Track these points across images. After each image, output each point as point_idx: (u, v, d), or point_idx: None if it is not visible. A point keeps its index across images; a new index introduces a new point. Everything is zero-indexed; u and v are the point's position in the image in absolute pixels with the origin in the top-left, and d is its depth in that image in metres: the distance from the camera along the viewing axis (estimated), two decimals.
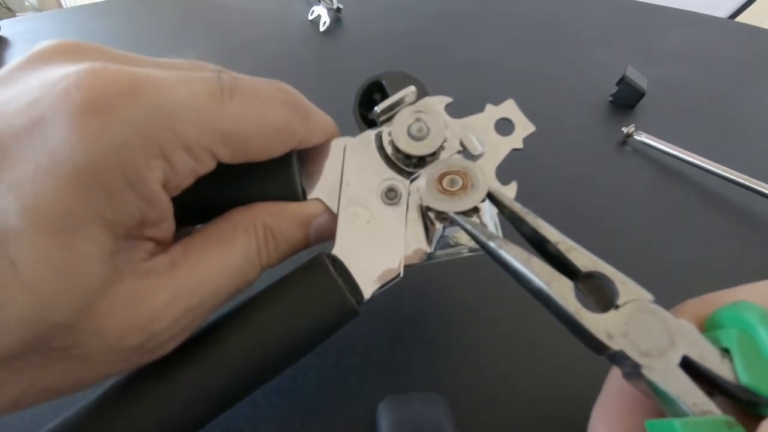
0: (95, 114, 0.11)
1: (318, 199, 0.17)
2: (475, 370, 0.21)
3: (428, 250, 0.17)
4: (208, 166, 0.13)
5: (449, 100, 0.18)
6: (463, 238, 0.18)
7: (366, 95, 0.19)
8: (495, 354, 0.21)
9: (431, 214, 0.16)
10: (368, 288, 0.16)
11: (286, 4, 0.56)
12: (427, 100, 0.18)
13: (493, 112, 0.19)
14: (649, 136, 0.34)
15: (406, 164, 0.17)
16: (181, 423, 0.14)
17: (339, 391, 0.20)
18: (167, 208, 0.13)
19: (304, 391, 0.20)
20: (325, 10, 0.51)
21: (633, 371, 0.12)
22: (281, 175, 0.16)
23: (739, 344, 0.12)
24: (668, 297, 0.26)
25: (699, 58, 0.48)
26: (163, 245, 0.14)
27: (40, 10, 1.71)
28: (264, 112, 0.14)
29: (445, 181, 0.16)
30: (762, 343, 0.11)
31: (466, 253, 0.17)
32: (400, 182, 0.17)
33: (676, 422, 0.11)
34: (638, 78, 0.39)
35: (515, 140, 0.19)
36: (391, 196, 0.17)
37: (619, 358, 0.12)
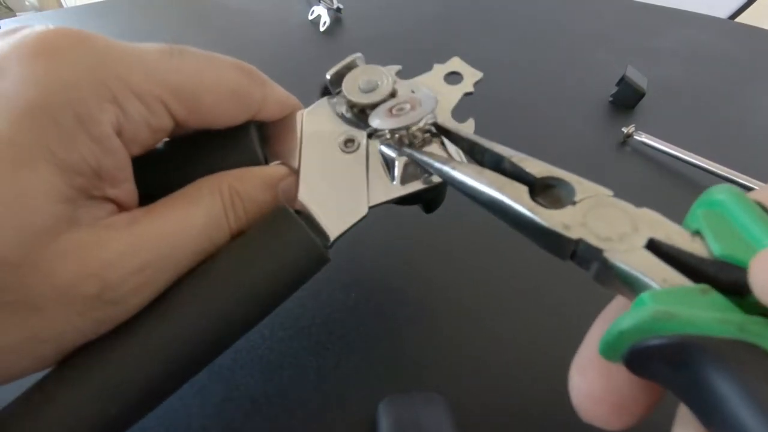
0: (45, 56, 0.12)
1: (282, 163, 0.17)
2: (475, 370, 0.21)
3: (392, 187, 0.17)
4: (163, 120, 0.14)
5: (399, 67, 0.20)
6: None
7: (326, 93, 0.20)
8: (495, 354, 0.21)
9: (390, 152, 0.17)
10: (335, 229, 0.16)
11: (286, 4, 0.56)
12: (376, 66, 0.19)
13: (440, 70, 0.20)
14: (649, 136, 0.34)
15: (364, 120, 0.18)
16: (144, 385, 0.13)
17: (339, 391, 0.20)
18: (123, 160, 0.13)
19: (304, 391, 0.20)
20: (325, 10, 0.51)
21: (599, 267, 0.11)
22: (241, 145, 0.16)
23: (707, 221, 0.11)
24: None
25: (699, 58, 0.48)
26: (125, 210, 0.14)
27: (40, 10, 1.71)
28: (214, 70, 0.15)
29: (394, 109, 0.17)
30: (732, 215, 0.10)
31: (426, 185, 0.17)
32: (357, 133, 0.18)
33: (645, 294, 0.09)
34: (638, 78, 0.39)
35: (466, 86, 0.20)
36: (349, 145, 0.17)
37: (583, 256, 0.11)
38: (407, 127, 0.16)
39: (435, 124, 0.17)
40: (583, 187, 0.12)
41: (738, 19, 0.80)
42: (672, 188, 0.32)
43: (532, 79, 0.43)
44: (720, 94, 0.42)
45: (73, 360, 0.13)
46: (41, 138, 0.11)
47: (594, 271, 0.11)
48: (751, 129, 0.38)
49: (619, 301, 0.13)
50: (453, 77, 0.20)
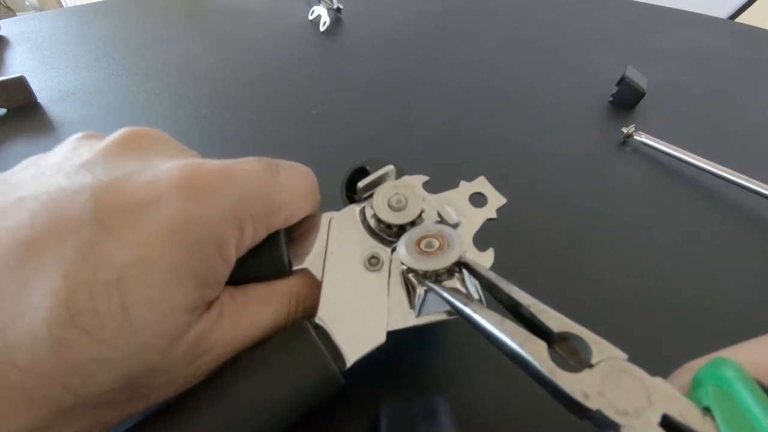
0: (198, 195, 0.14)
1: (305, 269, 0.18)
2: (476, 371, 0.21)
3: (411, 314, 0.17)
4: (261, 235, 0.16)
5: (426, 178, 0.20)
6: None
7: (352, 180, 0.20)
8: (495, 354, 0.21)
9: (413, 280, 0.17)
10: (352, 355, 0.16)
11: (286, 4, 0.56)
12: (406, 178, 0.19)
13: (466, 188, 0.21)
14: (649, 136, 0.34)
15: (388, 234, 0.18)
16: None
17: (339, 393, 0.20)
18: (230, 270, 0.15)
19: None
20: (325, 10, 0.51)
21: None
22: (271, 251, 0.17)
23: (717, 401, 0.11)
24: (669, 297, 0.26)
25: (699, 58, 0.48)
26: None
27: (40, 10, 1.71)
28: (300, 179, 0.17)
29: (423, 244, 0.17)
30: (741, 400, 0.11)
31: (447, 317, 0.17)
32: (382, 250, 0.18)
33: None
34: (638, 78, 0.39)
35: (489, 211, 0.20)
36: (373, 262, 0.18)
37: (600, 422, 0.12)
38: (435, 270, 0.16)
39: (457, 262, 0.17)
40: (599, 348, 0.13)
41: (738, 19, 0.80)
42: (672, 188, 0.32)
43: (533, 79, 0.43)
44: (720, 94, 0.42)
45: None
46: (192, 264, 0.13)
47: None
48: (751, 129, 0.38)
49: None
50: (477, 198, 0.20)
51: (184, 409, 0.14)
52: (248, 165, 0.16)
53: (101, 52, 0.46)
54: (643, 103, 0.39)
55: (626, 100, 0.39)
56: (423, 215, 0.18)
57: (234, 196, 0.14)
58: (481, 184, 0.21)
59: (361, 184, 0.19)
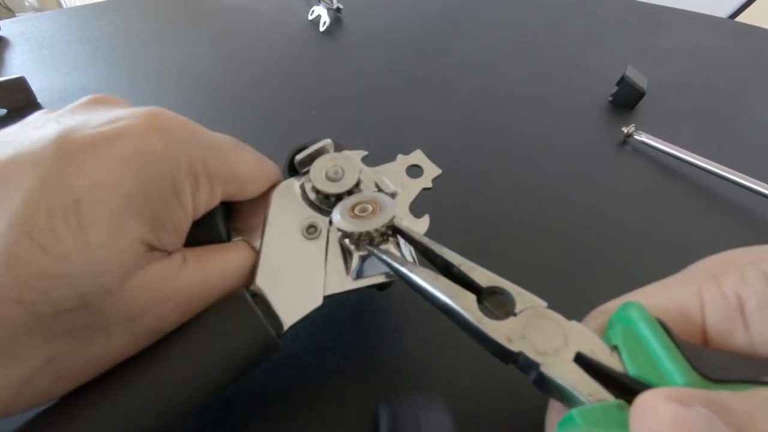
0: (160, 133, 0.15)
1: (243, 240, 0.18)
2: (476, 370, 0.21)
3: (348, 279, 0.18)
4: (215, 200, 0.17)
5: (365, 153, 0.21)
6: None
7: (294, 160, 0.21)
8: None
9: (350, 246, 0.18)
10: (289, 318, 0.16)
11: (286, 4, 0.56)
12: (344, 152, 0.20)
13: (403, 160, 0.22)
14: (649, 136, 0.34)
15: (327, 205, 0.19)
16: None
17: (339, 391, 0.20)
18: (188, 224, 0.16)
19: (304, 391, 0.20)
20: (325, 10, 0.51)
21: (537, 375, 0.13)
22: (206, 223, 0.17)
23: (624, 340, 0.13)
24: None
25: (699, 58, 0.48)
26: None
27: (40, 10, 1.71)
28: (263, 163, 0.19)
29: (357, 209, 0.18)
30: (643, 338, 0.12)
31: (383, 279, 0.18)
32: (320, 220, 0.19)
33: (574, 411, 0.11)
34: (638, 78, 0.39)
35: (425, 181, 0.21)
36: (311, 231, 0.18)
37: (523, 364, 0.13)
38: (367, 232, 0.17)
39: (392, 227, 0.18)
40: (522, 297, 0.14)
41: (738, 19, 0.80)
42: (672, 188, 0.32)
43: (533, 78, 0.43)
44: (720, 94, 0.42)
45: None
46: (146, 197, 0.14)
47: (532, 377, 0.13)
48: (751, 129, 0.38)
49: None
50: (414, 170, 0.21)
51: (123, 371, 0.14)
52: (213, 132, 0.17)
53: (101, 52, 0.46)
54: (643, 102, 0.39)
55: (626, 99, 0.39)
56: (361, 186, 0.19)
57: (193, 144, 0.15)
58: (418, 157, 0.22)
59: (298, 157, 0.20)
